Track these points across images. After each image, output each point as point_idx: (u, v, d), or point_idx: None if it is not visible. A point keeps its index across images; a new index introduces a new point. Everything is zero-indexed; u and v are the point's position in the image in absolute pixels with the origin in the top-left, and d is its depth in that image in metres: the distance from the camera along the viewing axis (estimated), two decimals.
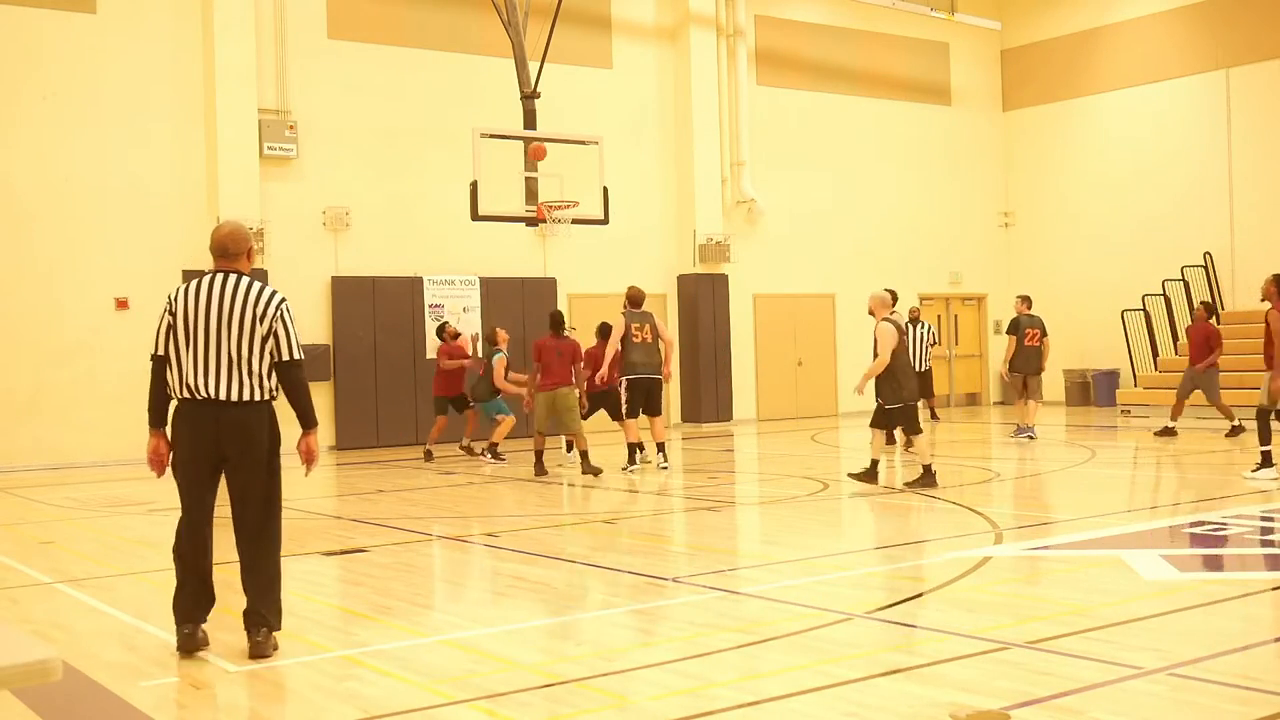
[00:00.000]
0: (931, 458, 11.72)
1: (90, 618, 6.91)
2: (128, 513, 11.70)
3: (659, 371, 13.86)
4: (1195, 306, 16.94)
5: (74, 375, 16.72)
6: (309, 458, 5.88)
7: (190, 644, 5.76)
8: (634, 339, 13.66)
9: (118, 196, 17.13)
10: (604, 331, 14.74)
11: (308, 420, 5.78)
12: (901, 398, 11.58)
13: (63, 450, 16.62)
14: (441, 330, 16.43)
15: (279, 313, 5.70)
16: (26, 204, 16.60)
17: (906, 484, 11.60)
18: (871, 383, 11.70)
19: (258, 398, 5.69)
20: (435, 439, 15.99)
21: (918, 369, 19.76)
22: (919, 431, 11.85)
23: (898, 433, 16.43)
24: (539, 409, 13.70)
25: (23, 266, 16.55)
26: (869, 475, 11.61)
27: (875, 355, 11.62)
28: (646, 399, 13.74)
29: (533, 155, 15.71)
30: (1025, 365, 16.85)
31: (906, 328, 19.83)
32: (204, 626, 5.88)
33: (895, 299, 15.93)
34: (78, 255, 16.86)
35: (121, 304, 17.05)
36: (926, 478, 11.45)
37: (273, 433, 5.80)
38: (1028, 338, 16.89)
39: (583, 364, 14.14)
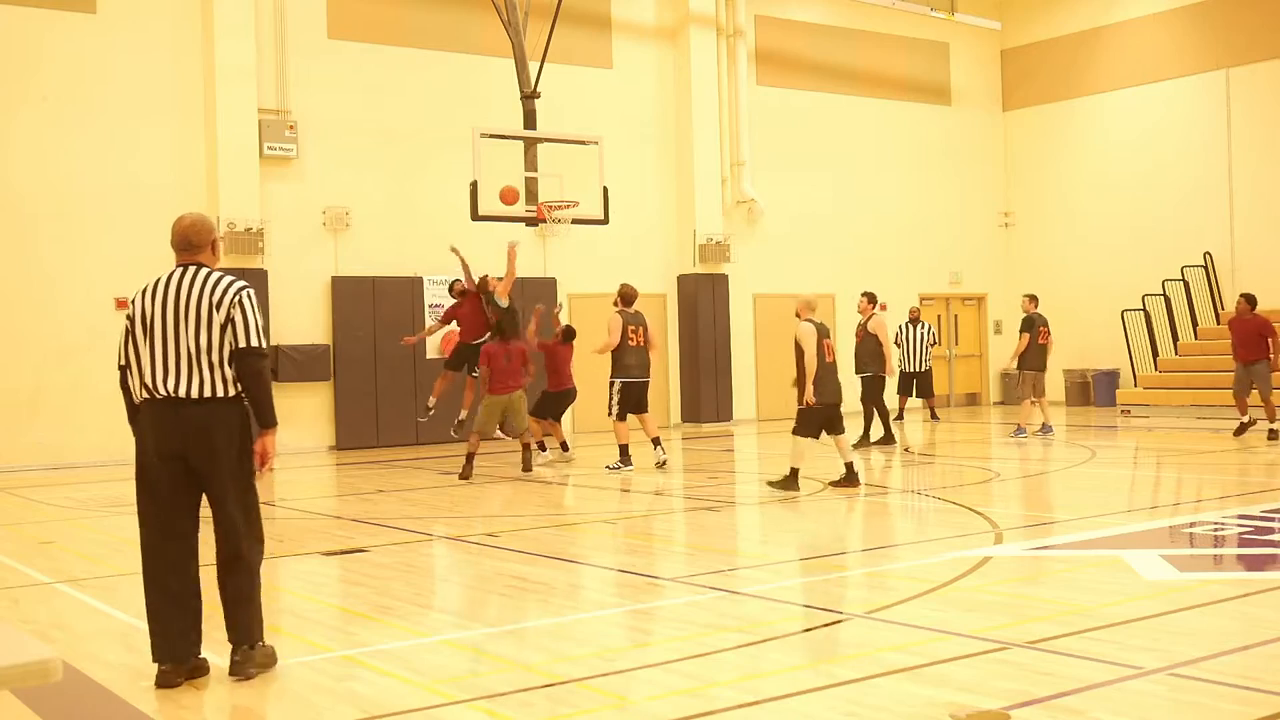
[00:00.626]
0: (801, 462, 11.38)
1: (90, 618, 6.91)
2: (128, 513, 11.65)
3: (648, 374, 13.90)
4: (1236, 300, 16.19)
5: (74, 375, 16.71)
6: (263, 458, 5.43)
7: (169, 680, 5.26)
8: (629, 342, 13.66)
9: (118, 196, 17.12)
10: (570, 334, 14.88)
11: (265, 417, 5.39)
12: (823, 398, 11.32)
13: (63, 450, 16.61)
14: (451, 288, 16.19)
15: (237, 298, 5.33)
16: (27, 204, 16.60)
17: (770, 483, 11.46)
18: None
19: (221, 393, 5.30)
20: (441, 392, 15.86)
21: (918, 369, 19.86)
22: (811, 436, 11.40)
23: (898, 430, 16.53)
24: (488, 413, 13.53)
25: (23, 267, 16.55)
26: (849, 480, 11.48)
27: (799, 358, 11.38)
28: (635, 402, 13.74)
29: (505, 199, 15.42)
30: (1039, 362, 16.97)
31: (906, 328, 20.09)
32: (201, 655, 5.41)
33: (874, 301, 16.17)
34: (78, 255, 16.86)
35: (121, 304, 17.02)
36: (791, 480, 11.27)
37: (244, 432, 5.41)
38: (1040, 335, 16.97)
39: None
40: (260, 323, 5.40)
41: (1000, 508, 10.52)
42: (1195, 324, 22.02)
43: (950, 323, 25.08)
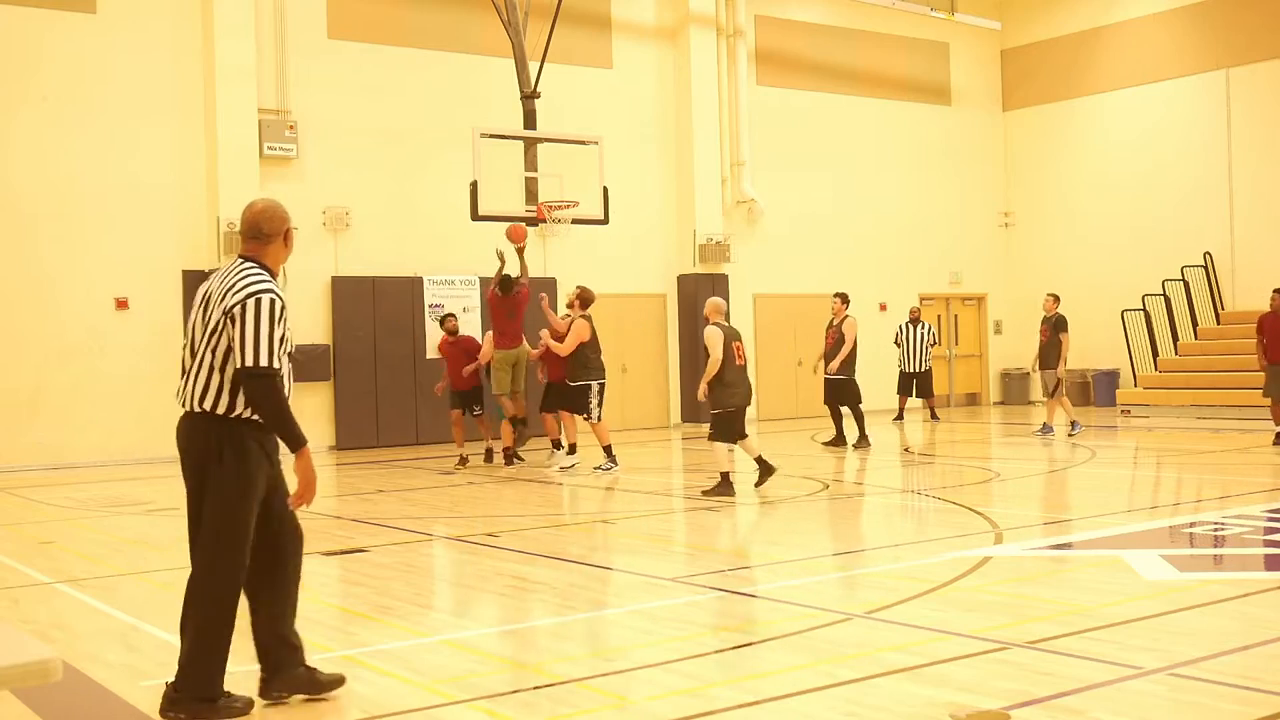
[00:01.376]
0: (731, 466, 11.33)
1: (90, 618, 6.91)
2: (128, 513, 11.70)
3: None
4: (1271, 295, 15.18)
5: (74, 375, 16.71)
6: (301, 481, 4.78)
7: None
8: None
9: (118, 196, 17.12)
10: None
11: (287, 440, 4.75)
12: (722, 403, 11.31)
13: (63, 450, 16.61)
14: (443, 322, 15.63)
15: (241, 306, 4.67)
16: (27, 205, 16.60)
17: (704, 492, 11.34)
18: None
19: (213, 408, 4.75)
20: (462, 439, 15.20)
21: (918, 369, 19.94)
22: (742, 437, 11.41)
23: (898, 429, 16.56)
24: (501, 370, 13.80)
25: (23, 267, 16.55)
26: (764, 473, 11.44)
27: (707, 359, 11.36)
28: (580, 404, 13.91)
29: (514, 238, 15.00)
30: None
31: (906, 328, 20.15)
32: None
33: (846, 301, 16.22)
34: (78, 255, 16.86)
35: (121, 304, 17.05)
36: (724, 486, 11.15)
37: (225, 453, 4.76)
38: None
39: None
40: (266, 335, 4.68)
41: (1000, 508, 10.52)
42: (1195, 324, 22.01)
43: (950, 323, 25.08)
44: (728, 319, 11.62)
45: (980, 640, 5.58)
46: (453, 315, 15.81)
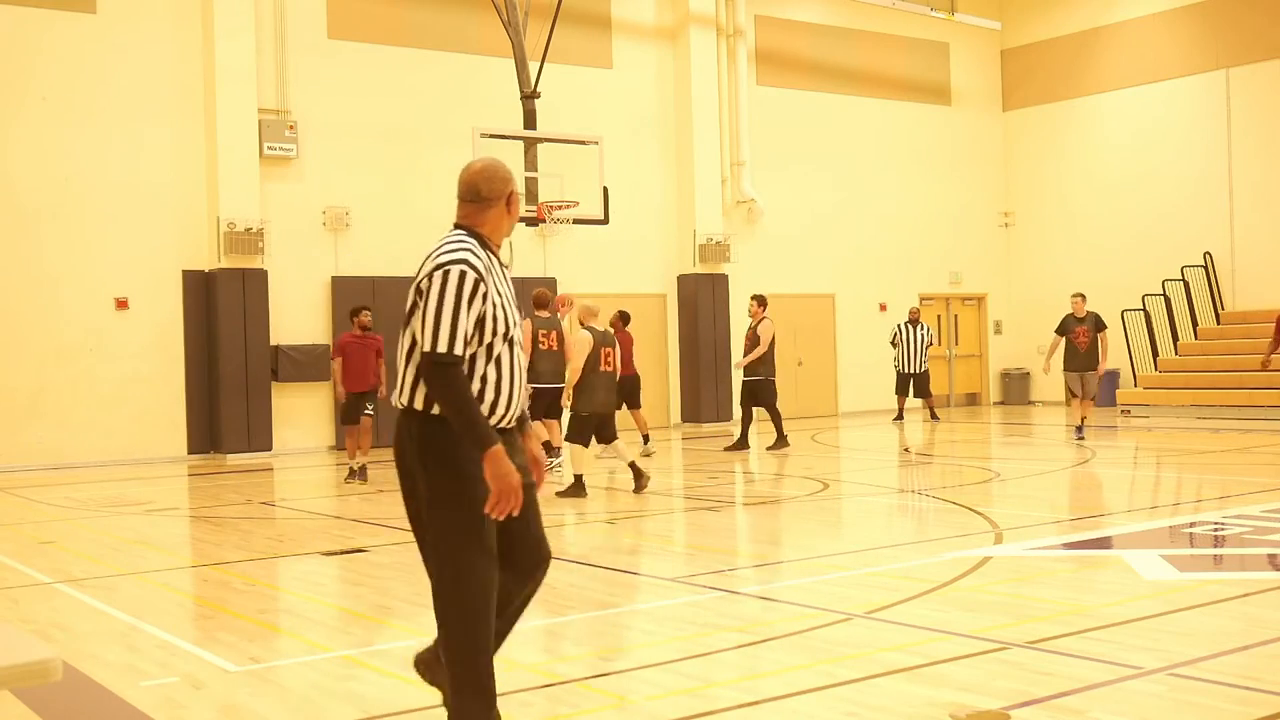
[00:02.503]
0: (584, 468, 11.44)
1: (90, 618, 6.90)
2: (128, 513, 11.69)
3: (562, 380, 13.38)
4: None
5: (74, 375, 16.72)
6: (494, 488, 4.04)
7: None
8: (540, 346, 13.33)
9: (118, 196, 17.12)
10: (625, 319, 14.98)
11: (470, 439, 4.01)
12: (579, 407, 11.39)
13: (63, 450, 16.61)
14: (355, 314, 13.86)
15: (429, 279, 4.03)
16: (27, 204, 16.60)
17: (557, 493, 11.37)
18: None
19: (411, 402, 4.13)
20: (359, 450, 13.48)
21: (916, 370, 19.95)
22: (582, 443, 11.48)
23: (899, 429, 16.55)
24: None
25: (23, 267, 16.55)
26: (575, 490, 11.40)
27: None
28: (546, 408, 13.44)
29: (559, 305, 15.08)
30: None
31: (905, 328, 20.16)
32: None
33: (764, 304, 16.11)
34: (78, 255, 16.86)
35: (121, 304, 17.05)
36: (577, 487, 11.27)
37: (429, 457, 4.11)
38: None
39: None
40: (449, 315, 3.99)
41: (1000, 508, 10.51)
42: (1195, 324, 22.02)
43: (950, 323, 25.08)
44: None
45: (980, 640, 5.58)
46: (367, 308, 13.98)
